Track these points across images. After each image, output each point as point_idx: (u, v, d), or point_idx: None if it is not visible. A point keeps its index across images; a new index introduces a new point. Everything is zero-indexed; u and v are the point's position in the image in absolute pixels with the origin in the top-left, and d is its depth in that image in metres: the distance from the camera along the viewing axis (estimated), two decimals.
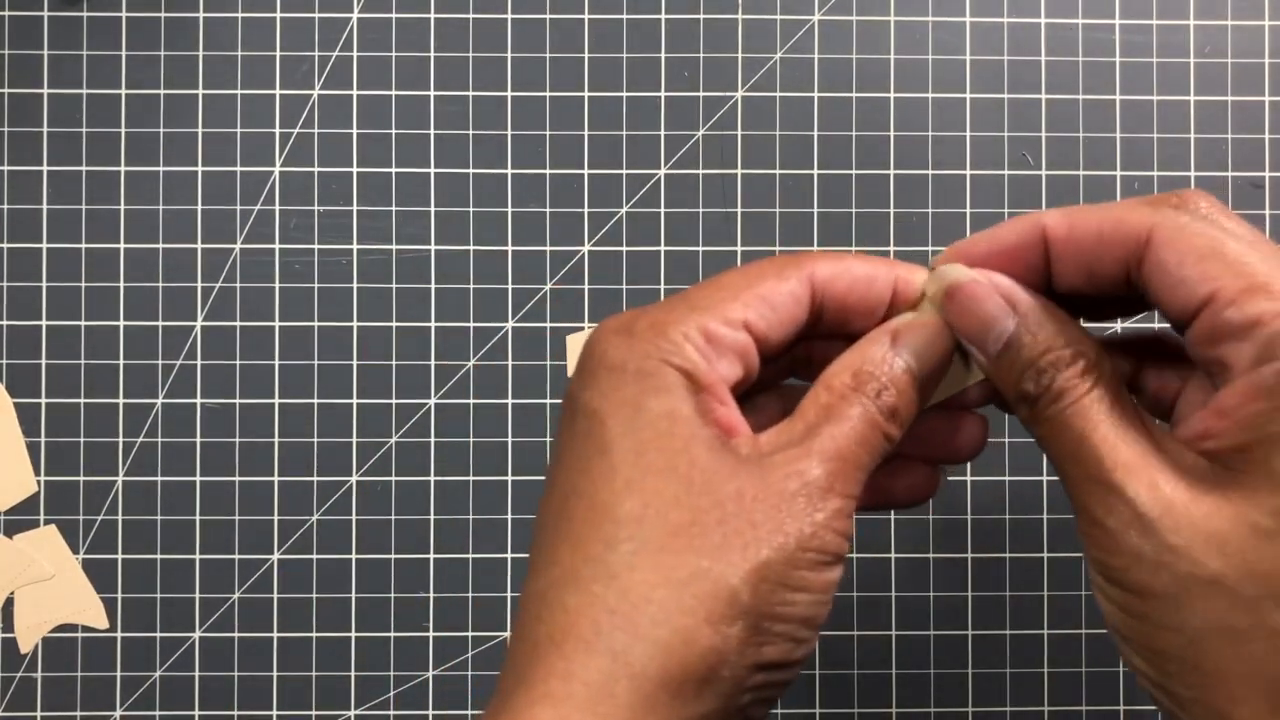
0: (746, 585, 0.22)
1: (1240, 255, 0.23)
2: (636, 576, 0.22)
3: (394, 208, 0.43)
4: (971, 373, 0.27)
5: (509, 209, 0.43)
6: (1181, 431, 0.24)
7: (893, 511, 0.42)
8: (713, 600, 0.22)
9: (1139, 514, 0.22)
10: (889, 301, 0.26)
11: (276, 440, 0.42)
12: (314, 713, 0.42)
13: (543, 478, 0.42)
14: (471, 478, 0.42)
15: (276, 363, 0.42)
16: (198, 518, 0.42)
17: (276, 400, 0.42)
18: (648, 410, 0.23)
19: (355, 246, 0.43)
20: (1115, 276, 0.25)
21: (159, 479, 0.42)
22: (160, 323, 0.43)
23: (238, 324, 0.42)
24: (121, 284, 0.43)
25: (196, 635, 0.42)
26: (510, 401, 0.42)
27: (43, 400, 0.42)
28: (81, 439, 0.42)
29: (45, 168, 0.43)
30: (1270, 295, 0.22)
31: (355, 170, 0.43)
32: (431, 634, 0.42)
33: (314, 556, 0.42)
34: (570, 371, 0.42)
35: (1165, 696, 0.23)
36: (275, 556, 0.42)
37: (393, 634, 0.42)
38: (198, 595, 0.42)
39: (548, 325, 0.43)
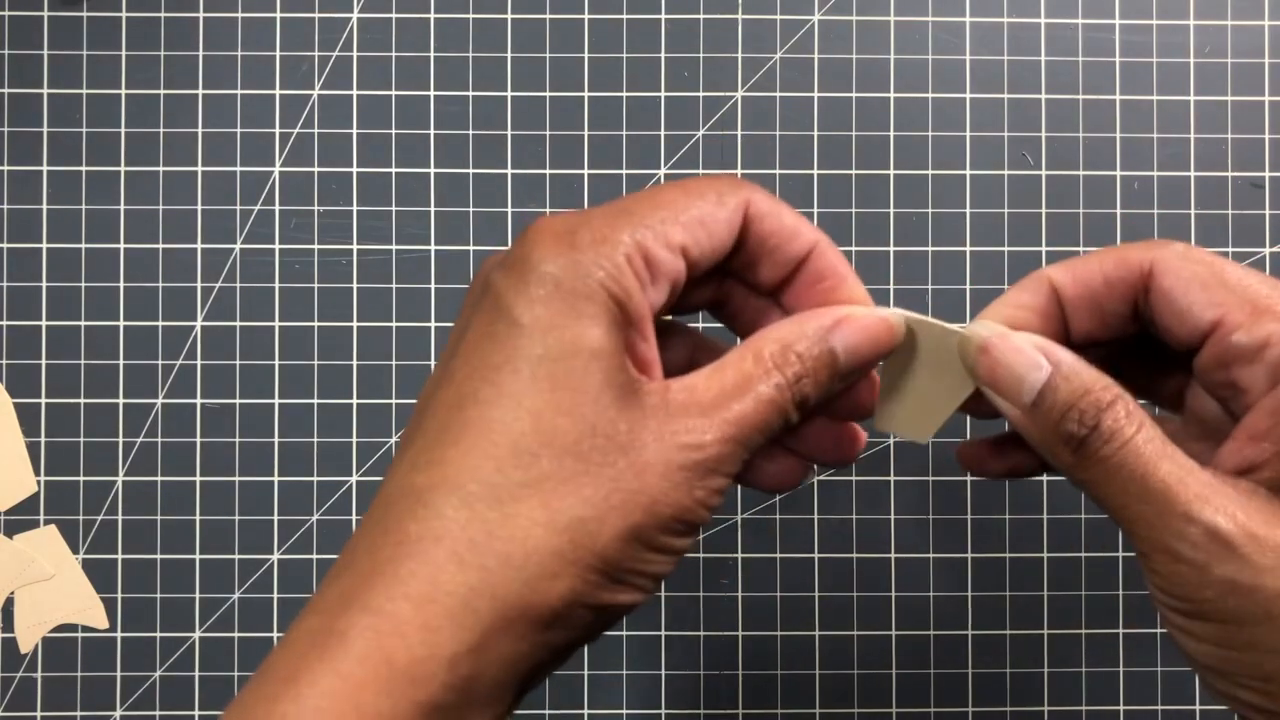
0: (617, 542, 0.23)
1: (1241, 279, 0.24)
2: (521, 509, 0.22)
3: (394, 208, 0.43)
4: (966, 387, 0.27)
5: (509, 209, 0.43)
6: (1222, 464, 0.25)
7: (892, 512, 0.42)
8: (585, 551, 0.22)
9: (1227, 542, 0.23)
10: (798, 262, 0.26)
11: (276, 440, 0.42)
12: None
13: None
14: None
15: (276, 363, 0.42)
16: (198, 518, 0.42)
17: (276, 400, 0.42)
18: (572, 340, 0.23)
19: (355, 246, 0.43)
20: (1125, 314, 0.26)
21: (159, 479, 0.42)
22: (160, 323, 0.43)
23: (238, 324, 0.42)
24: (121, 284, 0.43)
25: (196, 635, 0.42)
26: None
27: (43, 400, 0.42)
28: (81, 439, 0.42)
29: (45, 168, 0.43)
30: (1277, 317, 0.24)
31: (355, 170, 0.43)
32: None
33: (314, 556, 0.42)
34: None
35: None
36: (275, 556, 0.42)
37: None
38: (198, 595, 0.42)
39: None
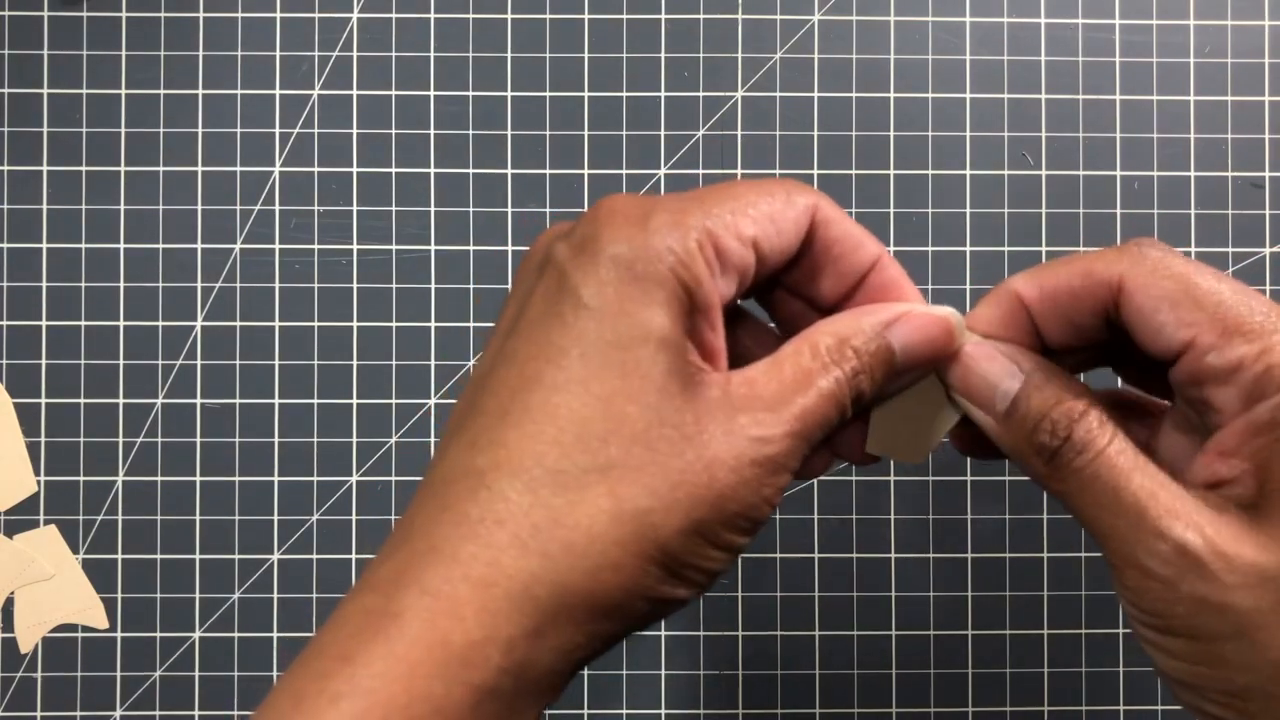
0: (680, 536, 0.22)
1: (1213, 293, 0.24)
2: (587, 496, 0.22)
3: (394, 208, 0.43)
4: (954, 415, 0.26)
5: (509, 209, 0.43)
6: (1193, 477, 0.25)
7: (892, 512, 0.42)
8: (648, 543, 0.22)
9: (1195, 559, 0.22)
10: (862, 277, 0.26)
11: (276, 440, 0.42)
12: None
13: None
14: None
15: (276, 363, 0.42)
16: (198, 518, 0.42)
17: (276, 400, 0.42)
18: (642, 325, 0.22)
19: (355, 246, 0.43)
20: (1097, 325, 0.26)
21: (159, 479, 0.42)
22: (160, 323, 0.43)
23: (238, 324, 0.42)
24: (121, 284, 0.43)
25: (196, 635, 0.42)
26: None
27: (43, 400, 0.42)
28: (81, 439, 0.42)
29: (45, 168, 0.43)
30: (1247, 337, 0.23)
31: (355, 170, 0.43)
32: None
33: (314, 556, 0.42)
34: None
35: None
36: (275, 556, 0.42)
37: None
38: (198, 595, 0.42)
39: None
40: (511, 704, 0.22)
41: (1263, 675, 0.22)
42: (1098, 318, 0.26)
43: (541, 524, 0.22)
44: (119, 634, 0.42)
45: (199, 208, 0.43)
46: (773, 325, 0.28)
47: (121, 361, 0.42)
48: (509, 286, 0.42)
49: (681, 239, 0.23)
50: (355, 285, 0.43)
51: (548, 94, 0.43)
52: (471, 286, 0.43)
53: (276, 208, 0.43)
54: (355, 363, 0.42)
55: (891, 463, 0.42)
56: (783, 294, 0.27)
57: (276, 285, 0.43)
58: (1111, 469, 0.24)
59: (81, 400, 0.42)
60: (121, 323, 0.43)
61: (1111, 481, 0.23)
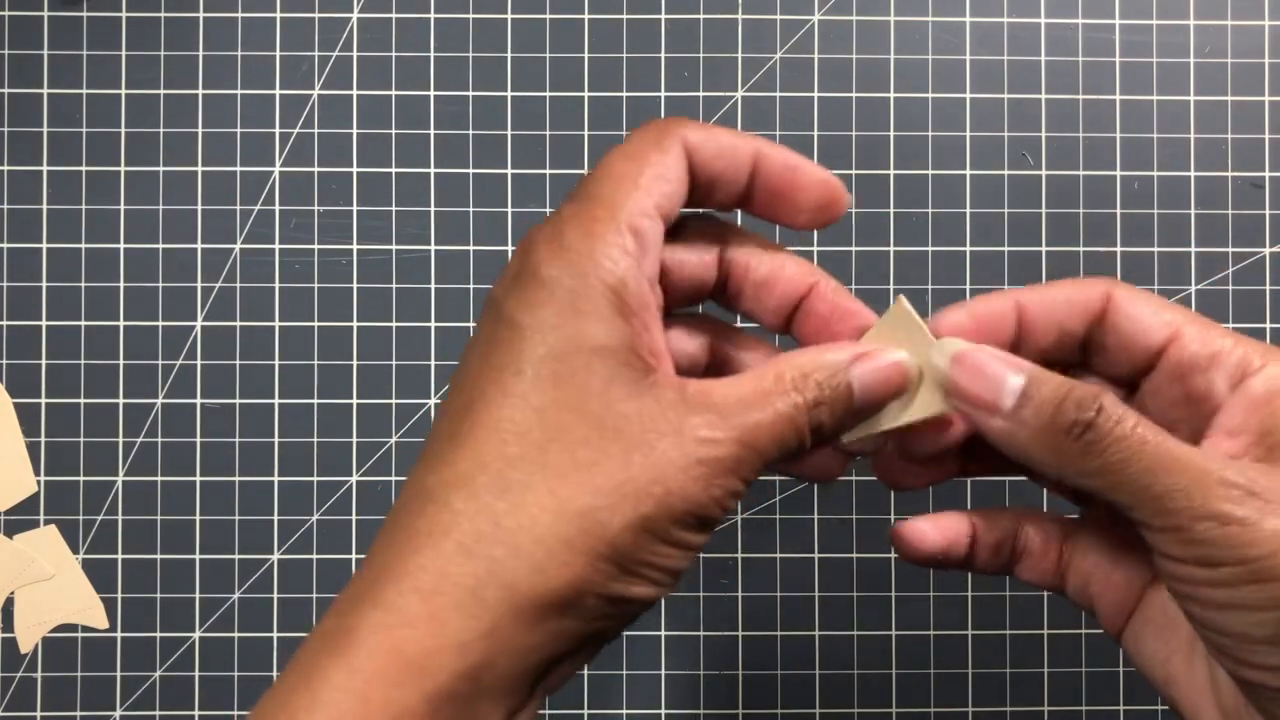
0: (628, 532, 0.23)
1: (1184, 310, 0.27)
2: (529, 497, 0.23)
3: (394, 208, 0.43)
4: (937, 403, 0.27)
5: (509, 209, 0.43)
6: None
7: (892, 512, 0.42)
8: (595, 539, 0.23)
9: (1265, 497, 0.23)
10: (749, 174, 0.27)
11: (276, 440, 0.42)
12: None
13: None
14: None
15: (276, 363, 0.42)
16: (198, 518, 0.42)
17: (276, 400, 0.42)
18: (573, 338, 0.23)
19: (355, 246, 0.43)
20: (1078, 336, 0.28)
21: (159, 479, 0.42)
22: (160, 323, 0.43)
23: (238, 324, 0.42)
24: (121, 284, 0.43)
25: (196, 635, 0.42)
26: None
27: (43, 400, 0.42)
28: (81, 439, 0.42)
29: (45, 168, 0.43)
30: (1222, 333, 0.26)
31: (355, 170, 0.43)
32: None
33: (314, 556, 0.42)
34: None
35: None
36: (275, 556, 0.42)
37: None
38: (198, 595, 0.42)
39: None
40: (471, 707, 0.22)
41: None
42: (1083, 326, 0.27)
43: (485, 529, 0.22)
44: (119, 634, 0.42)
45: (199, 208, 0.43)
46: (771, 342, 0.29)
47: (121, 361, 0.42)
48: None
49: (600, 246, 0.24)
50: (355, 285, 0.43)
51: (548, 94, 0.43)
52: (471, 286, 0.43)
53: (276, 208, 0.43)
54: (355, 363, 0.42)
55: None
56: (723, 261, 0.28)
57: (276, 285, 0.43)
58: (1156, 431, 0.24)
59: (81, 400, 0.42)
60: (121, 323, 0.43)
61: (1157, 443, 0.24)
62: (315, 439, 0.42)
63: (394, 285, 0.43)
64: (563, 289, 0.24)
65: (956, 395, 0.26)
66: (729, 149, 0.27)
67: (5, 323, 0.43)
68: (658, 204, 0.25)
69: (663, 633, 0.42)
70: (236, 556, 0.42)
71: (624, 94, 0.43)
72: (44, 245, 0.43)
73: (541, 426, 0.23)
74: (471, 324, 0.42)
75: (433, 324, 0.43)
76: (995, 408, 0.26)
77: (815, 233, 0.42)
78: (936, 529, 0.30)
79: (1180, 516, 0.24)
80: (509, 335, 0.24)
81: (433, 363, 0.42)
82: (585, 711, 0.42)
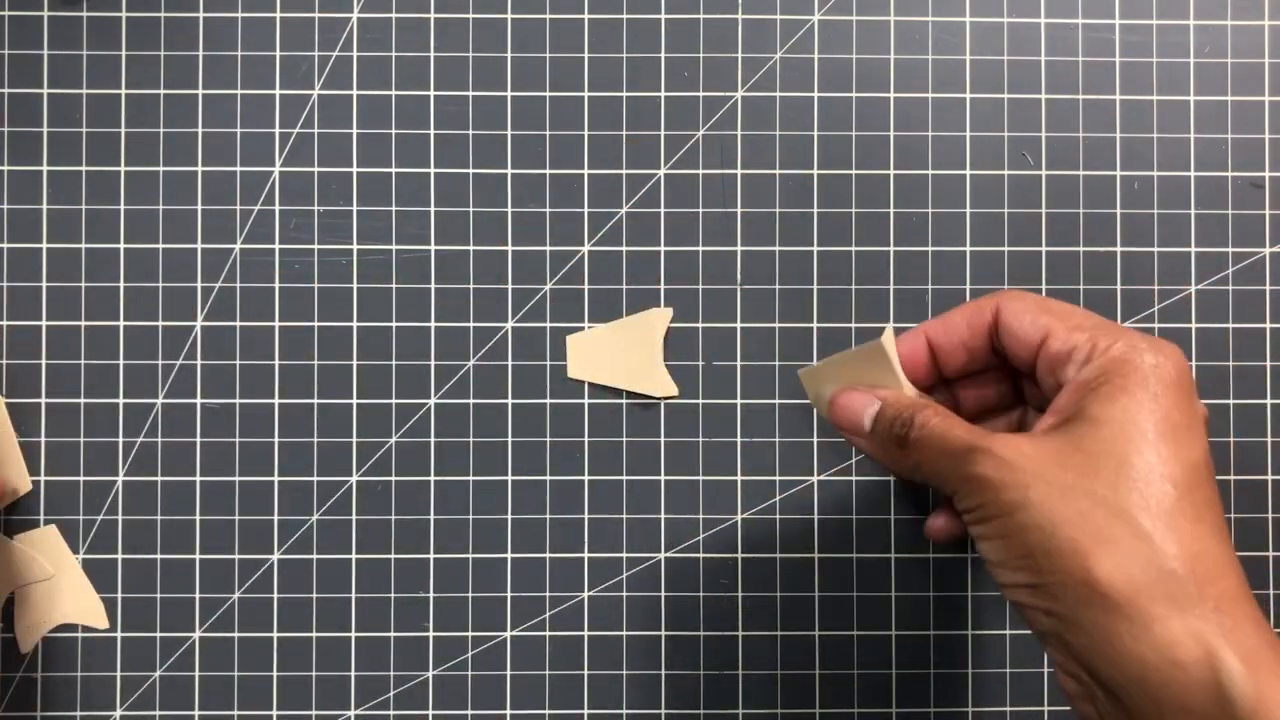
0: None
1: (1056, 306, 0.33)
2: None
3: (394, 208, 0.43)
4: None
5: (509, 209, 0.43)
6: (1036, 430, 0.32)
7: (892, 511, 0.42)
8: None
9: (1002, 459, 0.30)
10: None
11: (276, 440, 0.42)
12: (314, 713, 0.42)
13: (541, 478, 0.42)
14: (471, 478, 0.42)
15: (276, 363, 0.42)
16: (198, 518, 0.42)
17: (276, 400, 0.42)
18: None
19: (355, 246, 0.43)
20: (987, 349, 0.35)
21: (159, 479, 0.42)
22: (160, 323, 0.43)
23: (238, 324, 0.42)
24: (121, 284, 0.43)
25: (196, 635, 0.42)
26: (510, 401, 0.42)
27: (43, 400, 0.42)
28: (81, 439, 0.42)
29: (45, 168, 0.43)
30: (1082, 330, 0.32)
31: (355, 170, 0.43)
32: (431, 634, 0.42)
33: (314, 556, 0.42)
34: (570, 371, 0.42)
35: (1042, 599, 0.30)
36: (275, 556, 0.42)
37: (392, 634, 0.42)
38: (198, 595, 0.42)
39: (547, 325, 0.43)
40: None
41: (1041, 532, 0.29)
42: (986, 340, 0.35)
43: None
44: (119, 634, 0.42)
45: (199, 208, 0.43)
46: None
47: (121, 361, 0.42)
48: (509, 286, 0.43)
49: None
50: (355, 285, 0.43)
51: (548, 94, 0.43)
52: (471, 286, 0.43)
53: (276, 208, 0.43)
54: (355, 363, 0.42)
55: None
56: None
57: (276, 285, 0.43)
58: (942, 429, 0.33)
59: (81, 400, 0.42)
60: (121, 323, 0.43)
61: (940, 434, 0.32)
62: (315, 439, 0.42)
63: (394, 285, 0.43)
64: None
65: (837, 427, 0.36)
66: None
67: (5, 323, 0.43)
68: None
69: (663, 633, 0.42)
70: (236, 556, 0.42)
71: (624, 94, 0.43)
72: (44, 245, 0.43)
73: None
74: (472, 324, 0.42)
75: (433, 324, 0.43)
76: (860, 431, 0.35)
77: (816, 233, 0.42)
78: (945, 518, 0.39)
79: (951, 483, 0.32)
80: None
81: (433, 363, 0.42)
82: (585, 711, 0.42)
